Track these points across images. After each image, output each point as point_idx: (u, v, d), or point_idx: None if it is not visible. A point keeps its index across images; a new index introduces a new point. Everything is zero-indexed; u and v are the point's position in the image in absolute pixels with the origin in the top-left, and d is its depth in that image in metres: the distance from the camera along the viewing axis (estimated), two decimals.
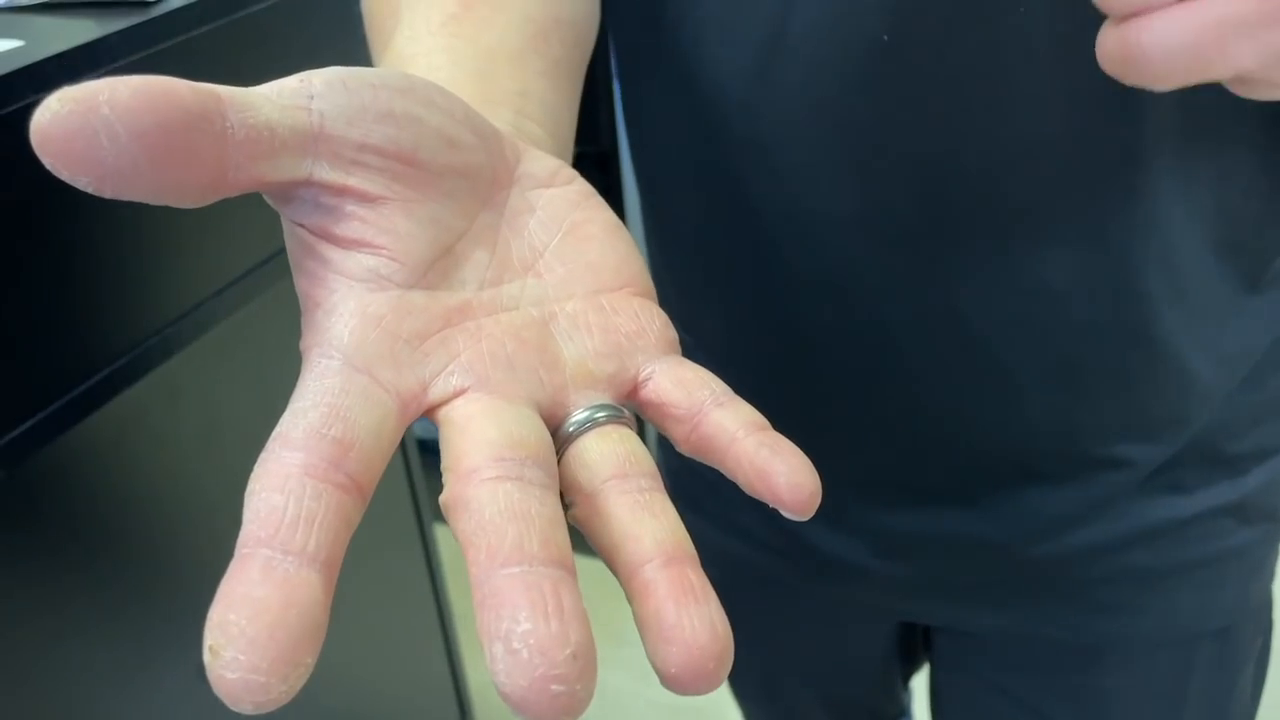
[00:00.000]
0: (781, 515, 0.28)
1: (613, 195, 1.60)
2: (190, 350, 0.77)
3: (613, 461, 0.27)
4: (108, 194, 0.23)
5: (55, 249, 0.66)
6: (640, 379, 0.30)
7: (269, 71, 0.28)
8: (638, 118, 0.57)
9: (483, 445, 0.25)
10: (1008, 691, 0.65)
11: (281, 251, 0.35)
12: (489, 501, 0.24)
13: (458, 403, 0.27)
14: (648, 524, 0.25)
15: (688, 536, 0.26)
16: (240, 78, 0.27)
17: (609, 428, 0.28)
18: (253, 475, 0.23)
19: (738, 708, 0.85)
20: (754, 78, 0.47)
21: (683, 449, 0.30)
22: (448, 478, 0.25)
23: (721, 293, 0.56)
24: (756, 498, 0.28)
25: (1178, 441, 0.54)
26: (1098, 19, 0.29)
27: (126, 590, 0.77)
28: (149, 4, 0.72)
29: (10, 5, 0.75)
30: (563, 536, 0.23)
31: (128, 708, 0.78)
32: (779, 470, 0.27)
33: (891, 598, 0.64)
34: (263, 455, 0.24)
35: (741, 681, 0.81)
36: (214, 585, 0.21)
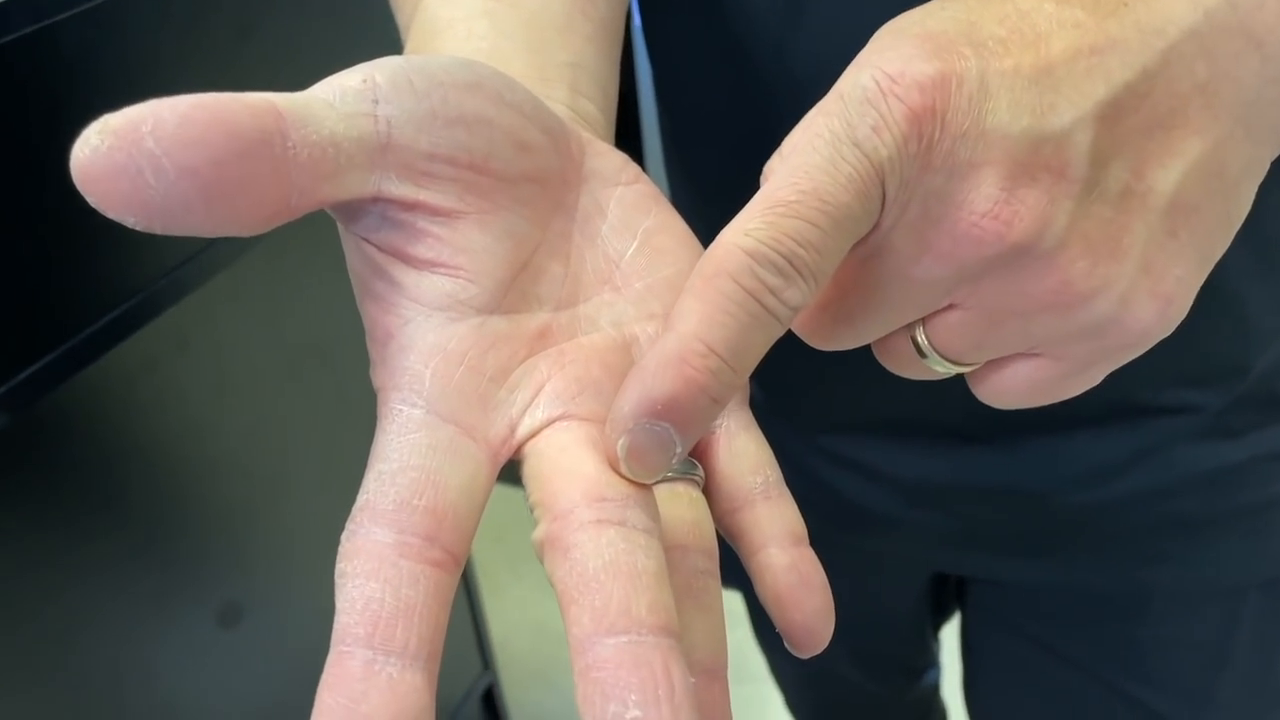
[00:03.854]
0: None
1: (631, 138, 1.57)
2: (199, 295, 0.76)
3: (677, 529, 0.26)
4: (158, 230, 0.21)
5: (57, 190, 0.63)
6: (706, 433, 0.29)
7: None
8: (664, 58, 0.55)
9: (580, 482, 0.24)
10: (1044, 643, 0.63)
11: None
12: (593, 553, 0.23)
13: (546, 433, 0.26)
14: (693, 619, 0.25)
15: (725, 637, 0.25)
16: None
17: (680, 487, 0.28)
18: (341, 552, 0.22)
19: (765, 660, 0.84)
20: (787, 17, 0.45)
21: (715, 519, 0.29)
22: (540, 515, 0.24)
23: None
24: (765, 609, 0.27)
25: (1234, 388, 0.52)
26: None
27: (139, 540, 0.76)
28: None
29: None
30: (668, 596, 0.23)
31: (144, 657, 0.78)
32: (800, 609, 0.26)
33: (925, 549, 0.62)
34: (350, 528, 0.22)
35: (769, 634, 0.80)
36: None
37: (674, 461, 0.24)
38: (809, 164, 0.24)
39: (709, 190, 0.55)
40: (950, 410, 0.54)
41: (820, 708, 0.82)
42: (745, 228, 0.24)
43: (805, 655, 0.27)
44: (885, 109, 0.24)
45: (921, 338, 0.28)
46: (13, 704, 0.68)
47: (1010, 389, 0.28)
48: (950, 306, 0.27)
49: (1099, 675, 0.61)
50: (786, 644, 0.27)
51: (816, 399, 0.58)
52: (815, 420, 0.59)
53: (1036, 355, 0.28)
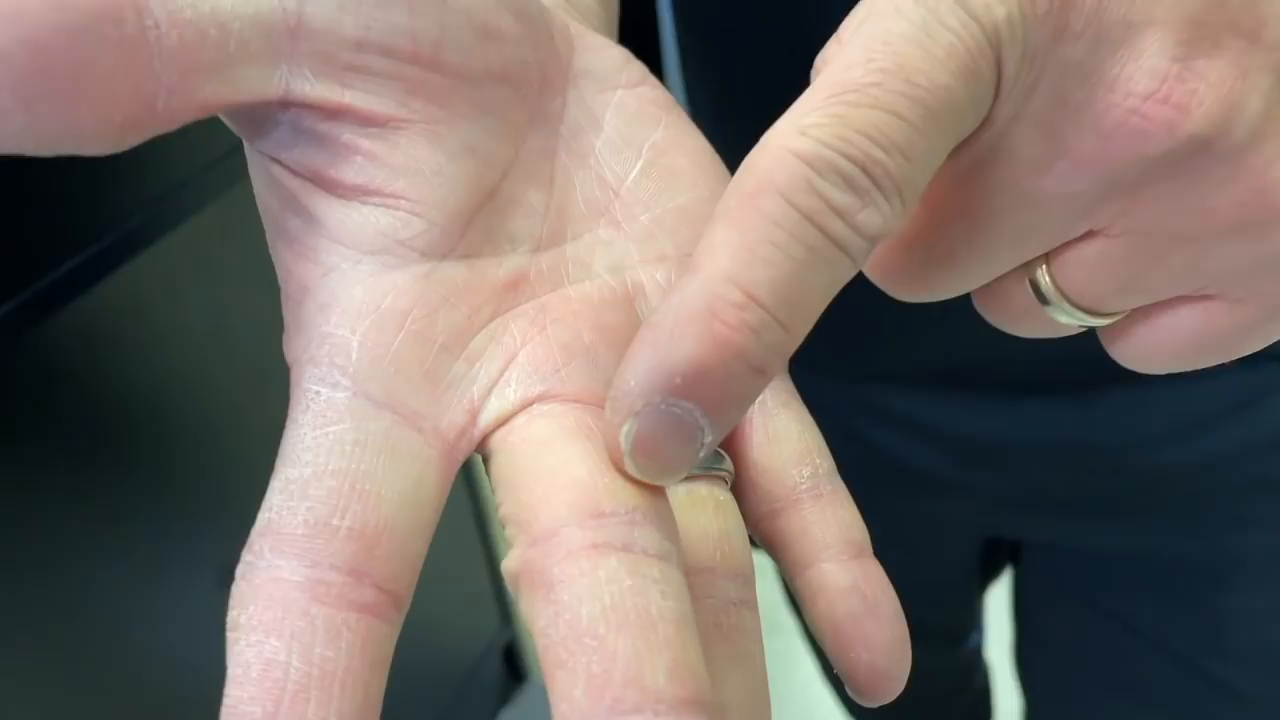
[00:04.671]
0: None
1: (647, 31, 1.49)
2: (183, 233, 0.73)
3: (700, 547, 0.20)
4: None
5: None
6: None
7: None
8: None
9: (568, 489, 0.18)
10: (1110, 612, 0.59)
11: None
12: (587, 593, 0.17)
13: (520, 421, 0.20)
14: (726, 671, 0.19)
15: (768, 696, 0.19)
16: None
17: (701, 487, 0.21)
18: (235, 594, 0.17)
19: (795, 618, 0.80)
20: None
21: (747, 525, 0.22)
22: (514, 534, 0.18)
23: None
24: (819, 642, 0.21)
25: None
26: None
27: (136, 499, 0.74)
28: None
29: None
30: (696, 652, 0.17)
31: (143, 611, 0.77)
32: (868, 646, 0.20)
33: (979, 513, 0.58)
34: (247, 558, 0.17)
35: None
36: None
37: (700, 455, 0.18)
38: (891, 32, 0.18)
39: (734, 90, 0.48)
40: (1014, 357, 0.49)
41: None
42: (801, 124, 0.17)
43: (875, 704, 0.21)
44: None
45: (1045, 279, 0.21)
46: (11, 665, 0.67)
47: (1166, 345, 0.22)
48: (1089, 234, 0.20)
49: (1171, 648, 0.57)
50: (850, 690, 0.21)
51: (860, 344, 0.52)
52: (856, 370, 0.54)
53: (1206, 298, 0.21)
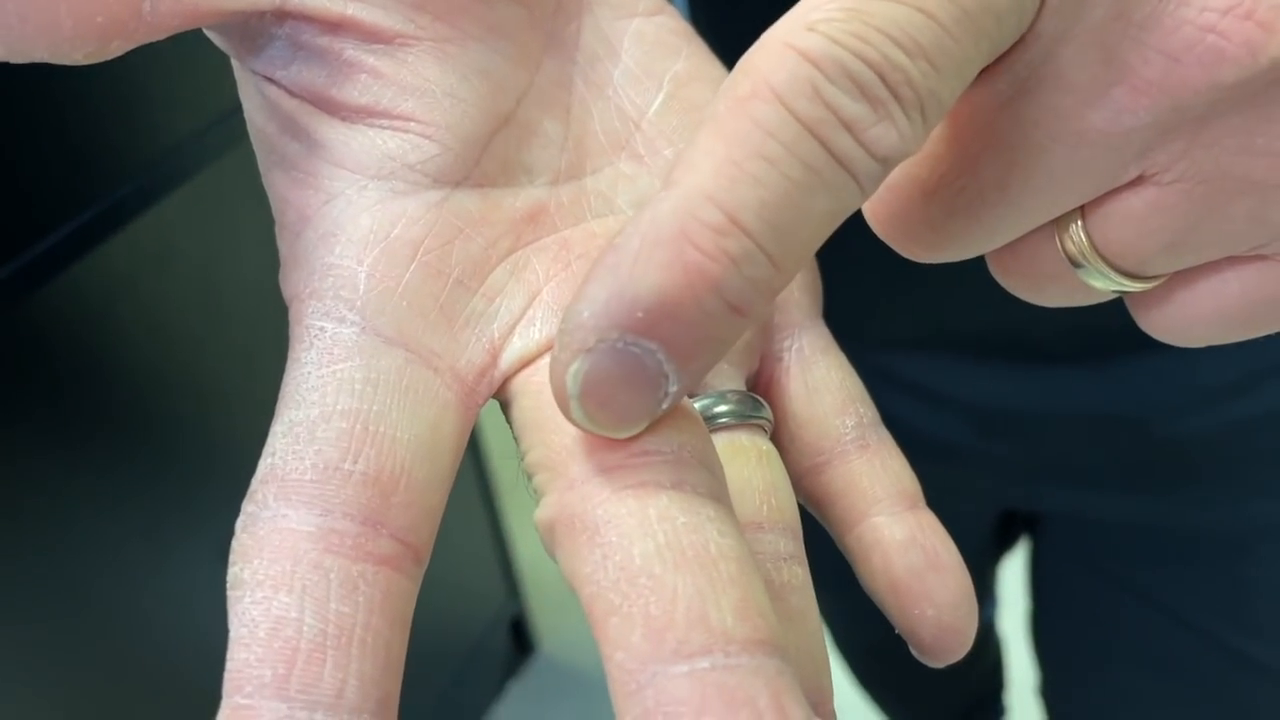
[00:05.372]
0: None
1: None
2: (175, 201, 0.71)
3: (745, 500, 0.18)
4: None
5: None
6: (769, 358, 0.21)
7: None
8: None
9: None
10: (1129, 584, 0.58)
11: None
12: (638, 531, 0.15)
13: (545, 363, 0.18)
14: (785, 634, 0.16)
15: (827, 654, 0.18)
16: None
17: (742, 436, 0.20)
18: (236, 547, 0.15)
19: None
20: None
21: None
22: (545, 481, 0.16)
23: None
24: (876, 600, 0.20)
25: None
26: None
27: (129, 463, 0.73)
28: None
29: None
30: (762, 592, 0.15)
31: (139, 583, 0.76)
32: (931, 600, 0.19)
33: (996, 483, 0.57)
34: (249, 509, 0.16)
35: (815, 567, 0.74)
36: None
37: (662, 409, 0.16)
38: None
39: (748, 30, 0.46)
40: (1034, 324, 0.48)
41: (871, 646, 0.78)
42: (810, 18, 0.15)
43: (942, 664, 0.20)
44: None
45: (1080, 235, 0.18)
46: (9, 637, 0.67)
47: (1209, 315, 0.19)
48: (1138, 181, 0.17)
49: (1192, 621, 0.56)
50: (914, 650, 0.19)
51: (876, 310, 0.51)
52: (875, 336, 0.52)
53: (1259, 258, 0.18)
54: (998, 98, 0.17)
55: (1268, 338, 0.45)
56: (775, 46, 0.15)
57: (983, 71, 0.17)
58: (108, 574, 0.72)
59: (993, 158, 0.17)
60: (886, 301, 0.50)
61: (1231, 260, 0.18)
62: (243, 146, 0.75)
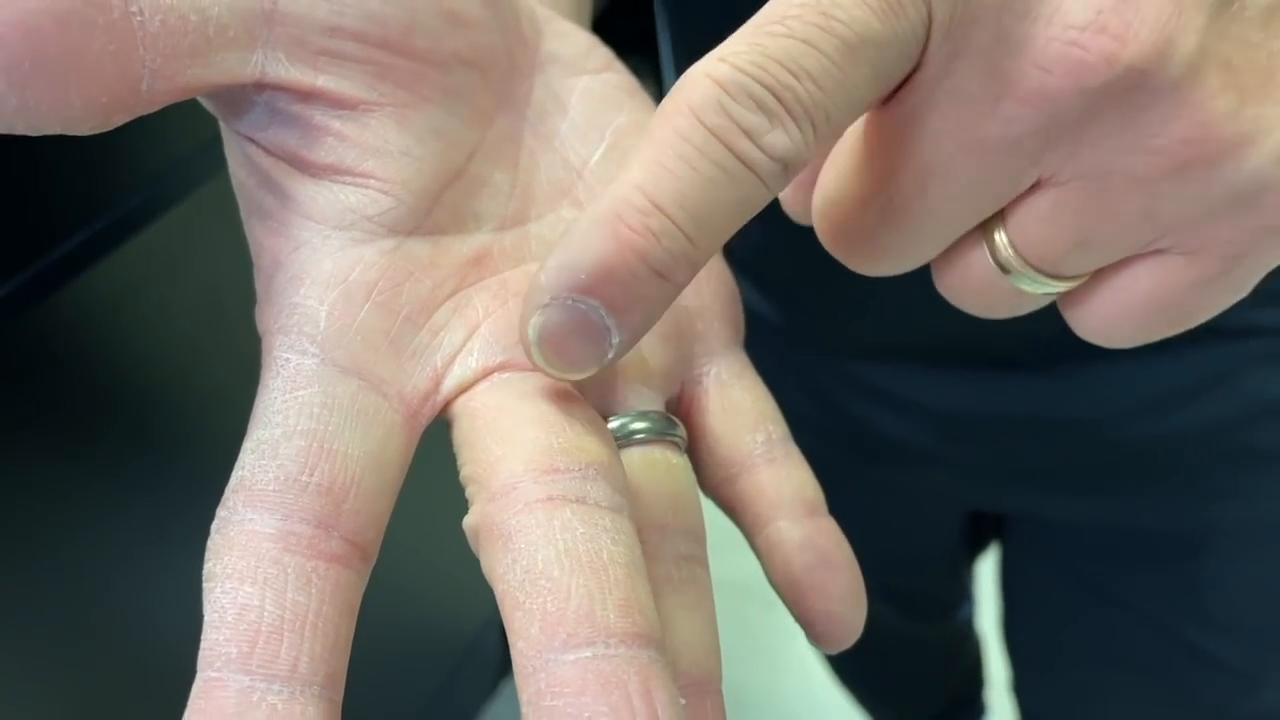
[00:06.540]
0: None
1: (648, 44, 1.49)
2: (180, 213, 0.72)
3: (653, 506, 0.21)
4: None
5: None
6: (690, 382, 0.24)
7: None
8: None
9: (524, 448, 0.19)
10: (1092, 584, 0.59)
11: None
12: (542, 540, 0.18)
13: (481, 388, 0.21)
14: (677, 618, 0.20)
15: (718, 640, 0.21)
16: None
17: (656, 451, 0.22)
18: (209, 548, 0.18)
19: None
20: None
21: (705, 490, 0.23)
22: (474, 493, 0.19)
23: None
24: (779, 595, 0.23)
25: None
26: None
27: (135, 469, 0.74)
28: None
29: None
30: (646, 592, 0.18)
31: (144, 585, 0.76)
32: (822, 595, 0.22)
33: (962, 485, 0.58)
34: (221, 515, 0.18)
35: None
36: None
37: (609, 357, 0.19)
38: None
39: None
40: (990, 334, 0.47)
41: (852, 646, 0.78)
42: (721, 54, 0.18)
43: (833, 650, 0.22)
44: None
45: (1002, 239, 0.21)
46: (10, 634, 0.67)
47: (1125, 310, 0.21)
48: (1041, 184, 0.20)
49: (1152, 618, 0.57)
50: (809, 638, 0.22)
51: (843, 321, 0.53)
52: (842, 345, 0.54)
53: (1161, 253, 0.20)
54: (908, 115, 0.20)
55: (1206, 348, 0.47)
56: (695, 75, 0.18)
57: (894, 92, 0.19)
58: (116, 577, 0.73)
59: (911, 169, 0.20)
60: (853, 315, 0.51)
61: (1138, 257, 0.20)
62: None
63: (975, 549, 0.73)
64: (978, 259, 0.22)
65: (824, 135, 0.18)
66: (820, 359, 0.55)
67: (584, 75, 0.25)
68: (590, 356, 0.18)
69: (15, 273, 0.63)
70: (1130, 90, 0.18)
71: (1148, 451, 0.51)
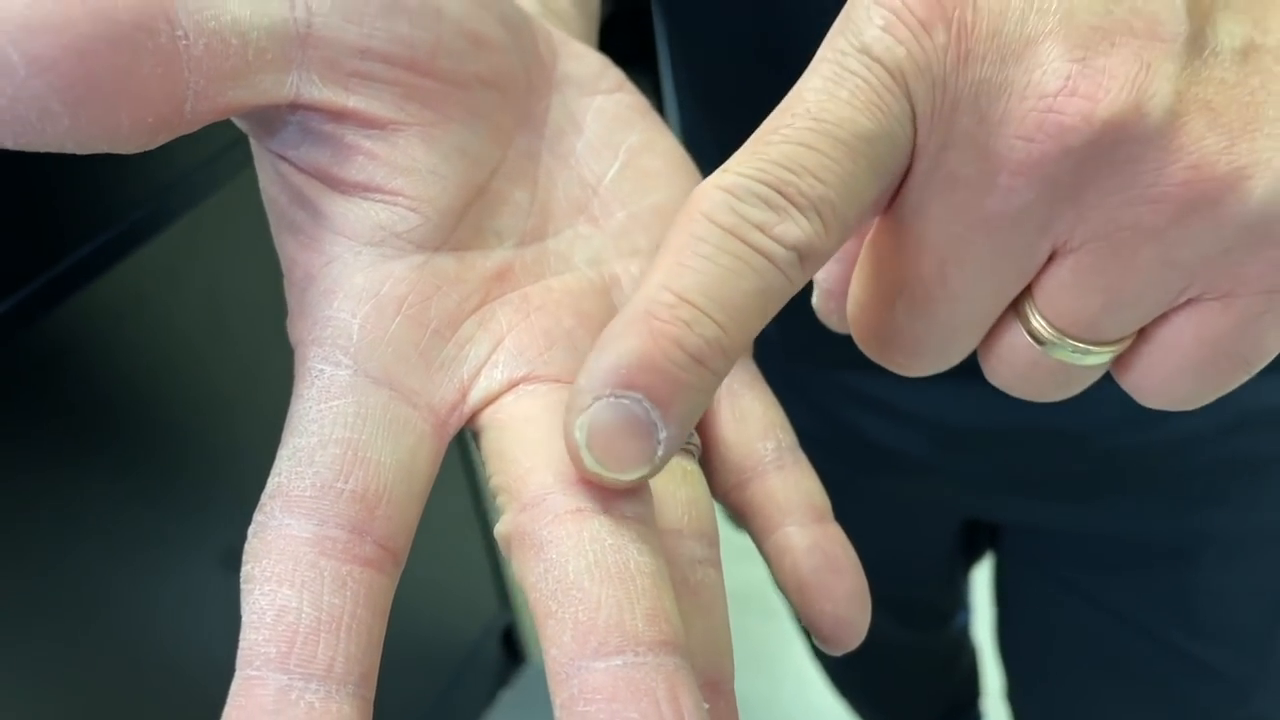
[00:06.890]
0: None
1: (648, 60, 1.50)
2: (185, 226, 0.72)
3: (668, 512, 0.22)
4: (9, 145, 0.17)
5: None
6: None
7: None
8: None
9: (553, 461, 0.20)
10: (1085, 592, 0.60)
11: None
12: (573, 551, 0.18)
13: (507, 399, 0.21)
14: (692, 621, 0.20)
15: (730, 642, 0.21)
16: None
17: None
18: (247, 551, 0.18)
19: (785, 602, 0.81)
20: None
21: (715, 496, 0.24)
22: (505, 502, 0.20)
23: None
24: (786, 598, 0.23)
25: None
26: None
27: (139, 479, 0.74)
28: None
29: None
30: (671, 602, 0.19)
31: (148, 594, 0.77)
32: (829, 597, 0.23)
33: (957, 494, 0.59)
34: (258, 520, 0.19)
35: None
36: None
37: (660, 454, 0.19)
38: (804, 87, 0.19)
39: (727, 97, 0.49)
40: None
41: (848, 654, 0.78)
42: (726, 167, 0.19)
43: (839, 651, 0.23)
44: (896, 3, 0.19)
45: (1035, 316, 0.21)
46: (13, 646, 0.67)
47: (1180, 365, 0.20)
48: (1057, 254, 0.20)
49: (1145, 626, 0.58)
50: (816, 640, 0.23)
51: (839, 336, 0.52)
52: (839, 358, 0.54)
53: (1195, 301, 0.20)
54: (914, 208, 0.20)
55: None
56: (704, 188, 0.19)
57: (898, 190, 0.20)
58: (117, 584, 0.73)
59: (927, 258, 0.21)
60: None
61: (1175, 310, 0.20)
62: (248, 173, 0.77)
63: (971, 558, 0.74)
64: (1017, 340, 0.22)
65: (834, 227, 0.19)
66: (817, 371, 0.55)
67: (598, 95, 0.26)
68: (641, 453, 0.18)
69: (23, 284, 0.63)
70: (1115, 144, 0.18)
71: (1139, 461, 0.51)
